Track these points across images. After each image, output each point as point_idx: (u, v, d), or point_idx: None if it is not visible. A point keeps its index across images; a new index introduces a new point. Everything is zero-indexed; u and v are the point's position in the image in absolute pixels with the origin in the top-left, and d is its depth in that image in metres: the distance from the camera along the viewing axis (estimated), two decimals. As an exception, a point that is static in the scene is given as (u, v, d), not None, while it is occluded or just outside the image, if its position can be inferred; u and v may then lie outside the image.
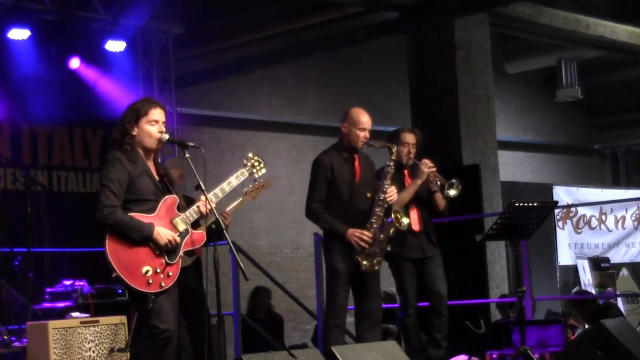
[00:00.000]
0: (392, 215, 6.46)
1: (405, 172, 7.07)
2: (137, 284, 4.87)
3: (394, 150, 6.57)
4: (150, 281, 4.90)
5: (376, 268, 6.47)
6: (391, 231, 6.47)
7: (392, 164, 6.53)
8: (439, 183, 6.90)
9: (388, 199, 6.47)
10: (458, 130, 10.35)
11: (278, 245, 14.24)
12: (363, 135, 6.52)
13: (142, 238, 4.91)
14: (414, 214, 6.96)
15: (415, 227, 6.94)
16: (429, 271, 6.96)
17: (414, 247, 6.93)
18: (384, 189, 6.46)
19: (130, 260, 4.89)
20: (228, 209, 6.81)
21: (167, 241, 4.95)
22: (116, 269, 4.85)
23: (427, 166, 6.89)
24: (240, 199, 6.80)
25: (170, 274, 4.98)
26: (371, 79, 15.19)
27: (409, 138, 7.04)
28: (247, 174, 5.50)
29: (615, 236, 14.20)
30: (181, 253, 5.06)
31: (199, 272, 6.95)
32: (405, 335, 6.98)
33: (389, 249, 6.53)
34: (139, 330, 5.31)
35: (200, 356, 6.41)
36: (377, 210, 6.44)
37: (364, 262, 6.39)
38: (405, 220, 6.52)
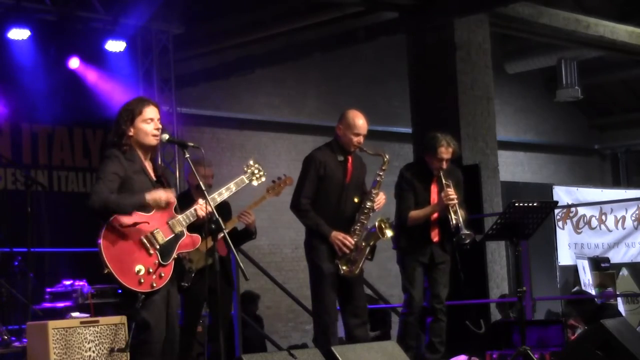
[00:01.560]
0: (376, 224, 6.41)
1: (434, 179, 6.91)
2: (128, 282, 4.87)
3: (385, 159, 6.51)
4: (142, 280, 4.90)
5: (356, 272, 6.41)
6: (373, 241, 6.42)
7: (382, 173, 6.46)
8: (454, 222, 6.70)
9: (375, 207, 6.43)
10: (458, 130, 10.34)
11: (278, 245, 14.24)
12: (357, 140, 6.45)
13: (136, 203, 4.91)
14: (434, 225, 6.87)
15: (435, 238, 6.87)
16: (434, 276, 6.91)
17: (426, 252, 6.87)
18: (372, 197, 6.41)
19: (123, 258, 4.89)
20: (249, 206, 6.83)
21: (159, 197, 4.95)
22: (108, 266, 4.85)
23: (447, 197, 6.71)
24: (262, 196, 6.80)
25: (163, 275, 4.98)
26: (371, 79, 15.19)
27: (445, 154, 6.79)
28: (246, 181, 5.52)
29: (615, 236, 14.20)
30: (175, 255, 5.06)
31: (226, 270, 6.91)
32: (402, 334, 6.88)
33: (369, 257, 6.47)
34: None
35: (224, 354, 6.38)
36: (362, 217, 6.41)
37: (343, 267, 6.35)
38: (388, 233, 6.43)
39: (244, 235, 7.06)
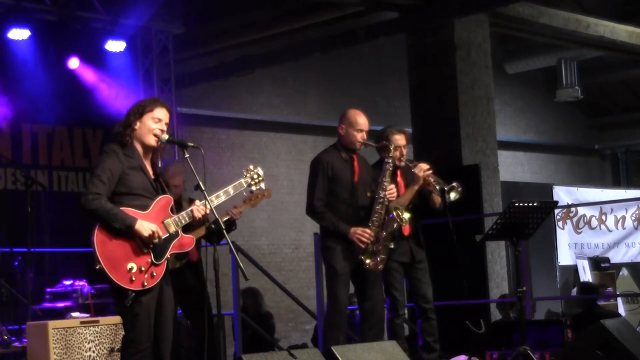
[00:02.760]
0: (394, 212, 6.48)
1: (398, 172, 6.97)
2: (119, 279, 4.87)
3: (391, 147, 6.61)
4: (133, 278, 4.90)
5: (379, 267, 6.49)
6: (394, 225, 6.50)
7: (390, 160, 6.56)
8: (437, 187, 6.76)
9: (388, 196, 6.49)
10: (458, 130, 10.35)
11: (278, 245, 14.24)
12: (360, 136, 6.55)
13: (124, 227, 4.88)
14: None
15: (406, 231, 6.87)
16: (417, 276, 6.93)
17: (403, 250, 6.88)
18: (384, 186, 6.49)
19: (116, 255, 4.89)
20: (237, 208, 6.84)
21: (150, 233, 4.93)
22: (101, 262, 4.85)
23: (422, 170, 6.76)
24: (240, 205, 6.82)
25: (155, 274, 4.98)
26: (371, 79, 15.19)
27: (400, 140, 6.88)
28: (245, 185, 5.51)
29: (615, 236, 14.20)
30: (168, 255, 5.06)
31: (198, 273, 6.94)
32: (392, 338, 6.80)
33: (392, 246, 6.54)
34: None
35: (210, 355, 6.40)
36: (377, 207, 6.48)
37: (367, 261, 6.42)
38: (406, 215, 6.53)
39: (226, 227, 7.12)
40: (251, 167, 5.60)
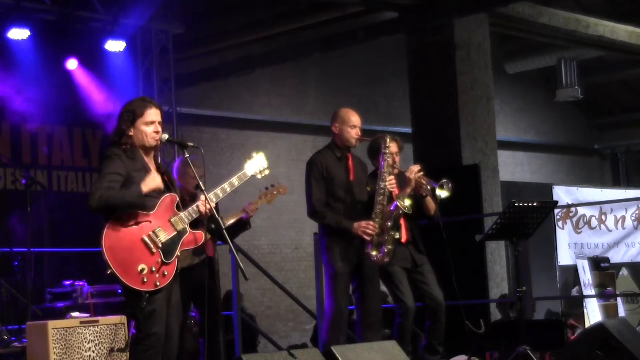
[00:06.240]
0: (396, 202, 6.51)
1: (394, 180, 6.97)
2: (131, 282, 4.87)
3: (388, 139, 6.64)
4: (145, 280, 4.90)
5: (386, 260, 6.48)
6: (400, 212, 6.52)
7: (387, 152, 6.58)
8: (429, 187, 6.74)
9: (389, 187, 6.49)
10: (458, 130, 10.34)
11: (278, 245, 14.25)
12: (355, 132, 6.60)
13: (137, 198, 4.90)
14: (402, 225, 6.85)
15: (403, 238, 6.84)
16: (422, 279, 6.89)
17: (403, 256, 6.84)
18: (384, 177, 6.51)
19: (126, 258, 4.89)
20: (253, 204, 6.85)
21: (153, 184, 4.97)
22: (111, 266, 4.85)
23: (413, 173, 6.73)
24: (255, 201, 6.86)
25: (166, 273, 4.98)
26: (371, 79, 15.19)
27: (395, 147, 6.85)
28: (249, 174, 5.49)
29: (615, 236, 14.17)
30: (178, 252, 5.05)
31: (212, 271, 6.95)
32: (399, 339, 6.75)
33: (397, 236, 6.56)
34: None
35: (214, 354, 6.39)
36: (379, 199, 6.50)
37: (374, 253, 6.44)
38: (407, 202, 6.55)
39: (240, 226, 7.10)
40: (254, 154, 5.60)
